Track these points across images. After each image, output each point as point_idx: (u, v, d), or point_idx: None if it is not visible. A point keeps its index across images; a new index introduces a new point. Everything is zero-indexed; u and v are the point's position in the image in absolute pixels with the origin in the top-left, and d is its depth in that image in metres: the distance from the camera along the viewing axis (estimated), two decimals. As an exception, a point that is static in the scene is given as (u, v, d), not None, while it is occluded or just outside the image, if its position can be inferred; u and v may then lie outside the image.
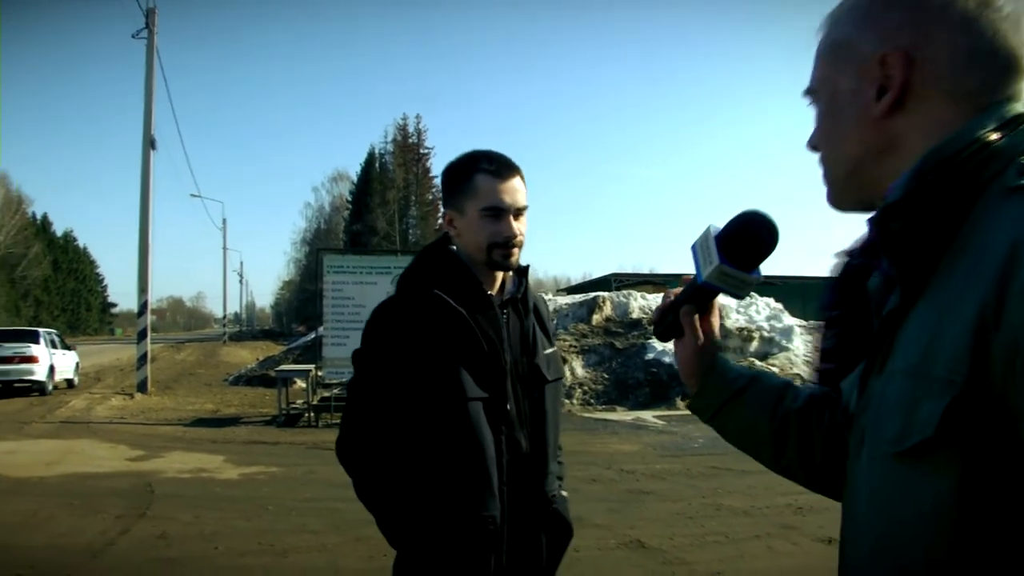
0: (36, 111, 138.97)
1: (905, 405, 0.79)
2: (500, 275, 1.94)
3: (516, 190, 1.86)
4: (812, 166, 1.02)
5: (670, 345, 1.29)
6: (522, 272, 1.98)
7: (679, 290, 1.24)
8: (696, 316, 1.22)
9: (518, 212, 1.87)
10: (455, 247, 1.93)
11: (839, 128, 0.95)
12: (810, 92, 0.99)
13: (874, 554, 0.85)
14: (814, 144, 1.00)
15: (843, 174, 0.96)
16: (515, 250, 1.87)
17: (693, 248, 1.20)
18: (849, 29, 0.93)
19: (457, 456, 1.76)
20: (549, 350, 1.96)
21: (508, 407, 1.82)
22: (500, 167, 1.86)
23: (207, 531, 5.79)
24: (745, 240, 1.14)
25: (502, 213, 1.83)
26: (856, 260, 1.61)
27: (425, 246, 1.99)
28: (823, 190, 1.01)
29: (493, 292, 1.91)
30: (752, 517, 6.26)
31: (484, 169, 1.84)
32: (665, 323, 1.25)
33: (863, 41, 0.90)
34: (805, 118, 1.02)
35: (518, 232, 1.86)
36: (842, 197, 0.98)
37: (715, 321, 1.24)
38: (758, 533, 5.76)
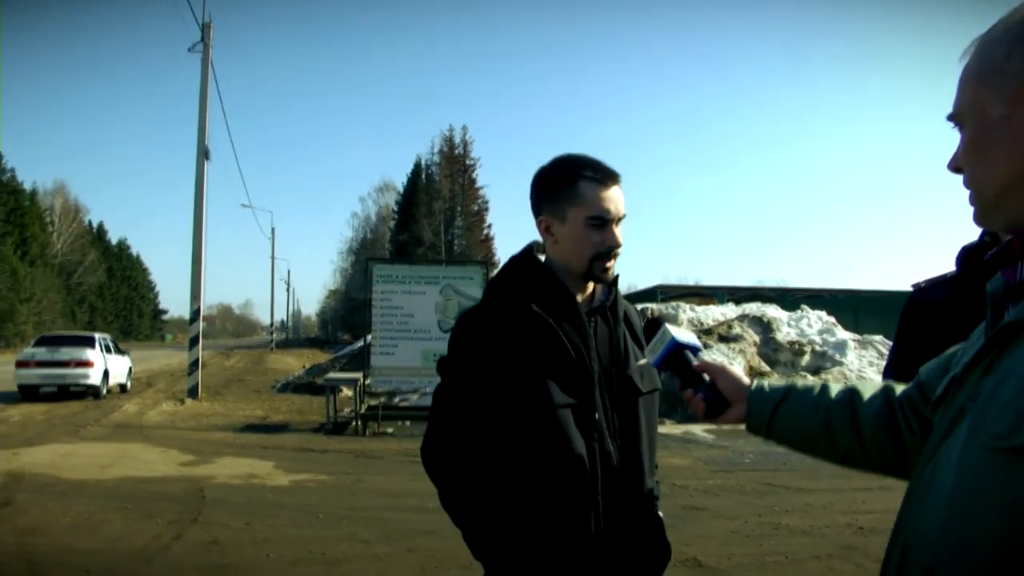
0: (96, 122, 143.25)
1: (1021, 406, 0.86)
2: (592, 284, 1.88)
3: (618, 198, 1.81)
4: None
5: (718, 356, 1.43)
6: (612, 282, 1.91)
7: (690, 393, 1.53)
8: (706, 378, 1.50)
9: (619, 221, 1.82)
10: (544, 256, 1.88)
11: (988, 153, 0.97)
12: (954, 117, 1.02)
13: (950, 530, 0.92)
14: (958, 166, 1.02)
15: (992, 196, 0.98)
16: (614, 261, 1.82)
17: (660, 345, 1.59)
18: (999, 57, 0.95)
19: (549, 465, 1.70)
20: (643, 361, 1.88)
21: (596, 416, 1.75)
22: (604, 175, 1.80)
23: (259, 538, 5.78)
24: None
25: (607, 223, 1.78)
26: (926, 292, 1.96)
27: (513, 256, 1.93)
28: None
29: (581, 300, 1.85)
30: (811, 537, 6.06)
31: (588, 176, 1.79)
32: (708, 405, 1.49)
33: (1014, 70, 0.93)
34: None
35: (621, 241, 1.80)
36: (990, 218, 1.01)
37: (724, 367, 1.50)
38: (818, 554, 5.57)
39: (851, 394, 1.39)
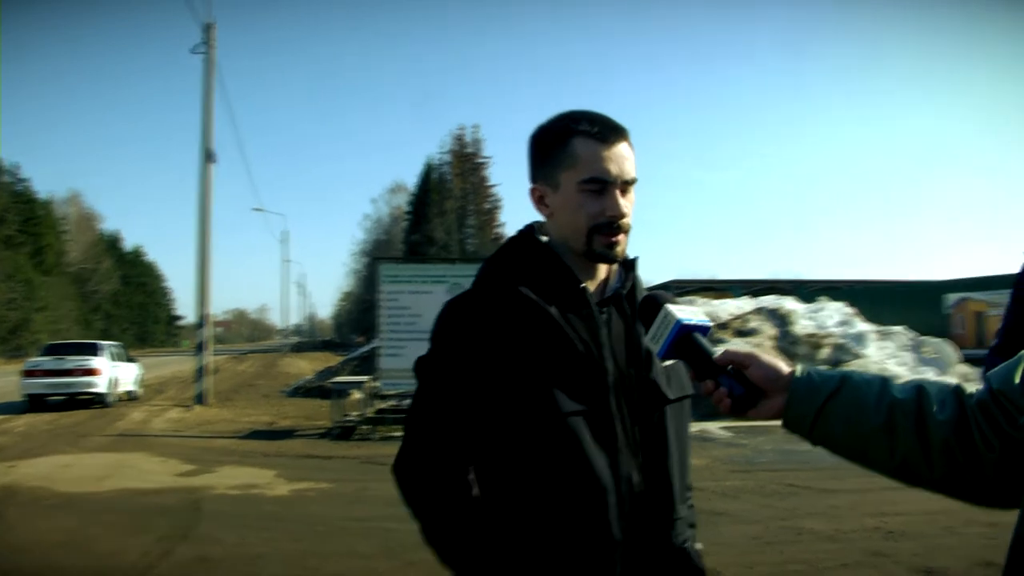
0: (109, 129, 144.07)
1: None
2: (603, 267, 1.52)
3: (624, 158, 1.45)
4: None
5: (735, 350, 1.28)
6: (629, 265, 1.55)
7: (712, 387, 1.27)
8: (729, 368, 1.25)
9: (625, 186, 1.46)
10: (546, 236, 1.54)
11: None
12: None
13: None
14: None
15: None
16: (621, 236, 1.46)
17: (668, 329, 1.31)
18: None
19: (559, 490, 1.36)
20: (670, 362, 1.49)
21: (615, 428, 1.41)
22: (604, 129, 1.45)
23: (251, 554, 5.49)
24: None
25: (607, 186, 1.43)
26: None
27: (511, 235, 1.59)
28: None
29: (592, 288, 1.50)
30: (838, 543, 5.69)
31: (584, 132, 1.44)
32: (736, 399, 1.24)
33: None
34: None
35: (625, 210, 1.45)
36: None
37: (755, 354, 1.24)
38: (846, 562, 5.20)
39: (919, 393, 1.15)
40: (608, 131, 1.45)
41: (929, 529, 5.95)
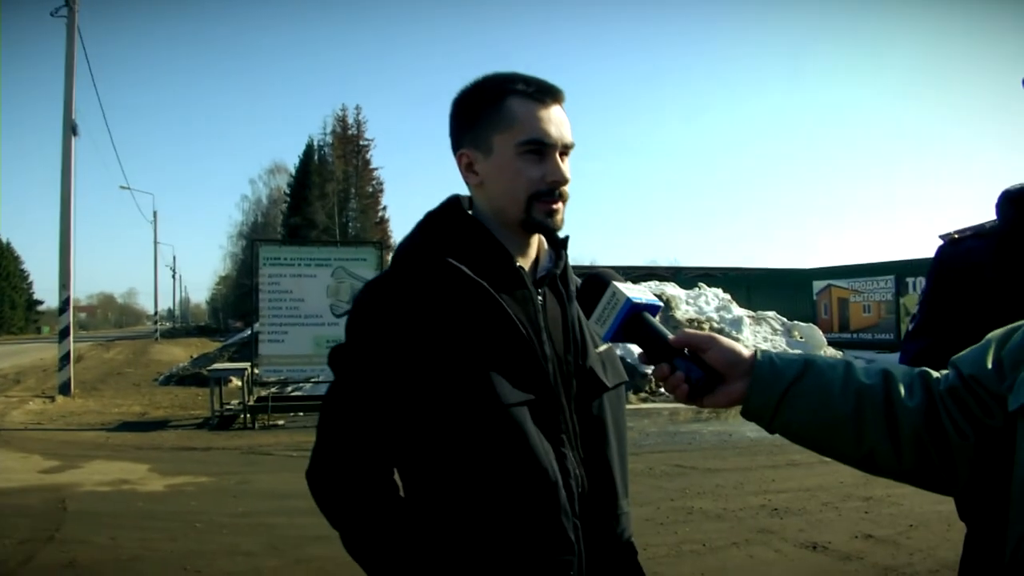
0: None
1: None
2: (535, 244, 1.41)
3: (562, 121, 1.35)
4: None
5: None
6: (561, 244, 1.44)
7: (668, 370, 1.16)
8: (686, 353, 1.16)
9: (565, 150, 1.35)
10: (472, 210, 1.41)
11: None
12: None
13: None
14: None
15: None
16: (561, 204, 1.35)
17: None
18: None
19: (504, 490, 1.23)
20: (603, 347, 1.41)
21: (560, 419, 1.30)
22: (542, 89, 1.35)
23: (124, 556, 5.09)
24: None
25: (547, 149, 1.32)
26: (962, 246, 1.61)
27: (431, 210, 1.44)
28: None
29: (526, 268, 1.38)
30: (726, 521, 5.82)
31: (521, 91, 1.33)
32: (693, 385, 1.14)
33: None
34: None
35: (567, 174, 1.34)
36: None
37: (714, 337, 1.16)
38: (736, 540, 5.32)
39: (885, 378, 1.10)
40: (545, 91, 1.35)
41: (811, 505, 6.18)
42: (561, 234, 1.42)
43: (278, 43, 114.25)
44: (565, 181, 1.34)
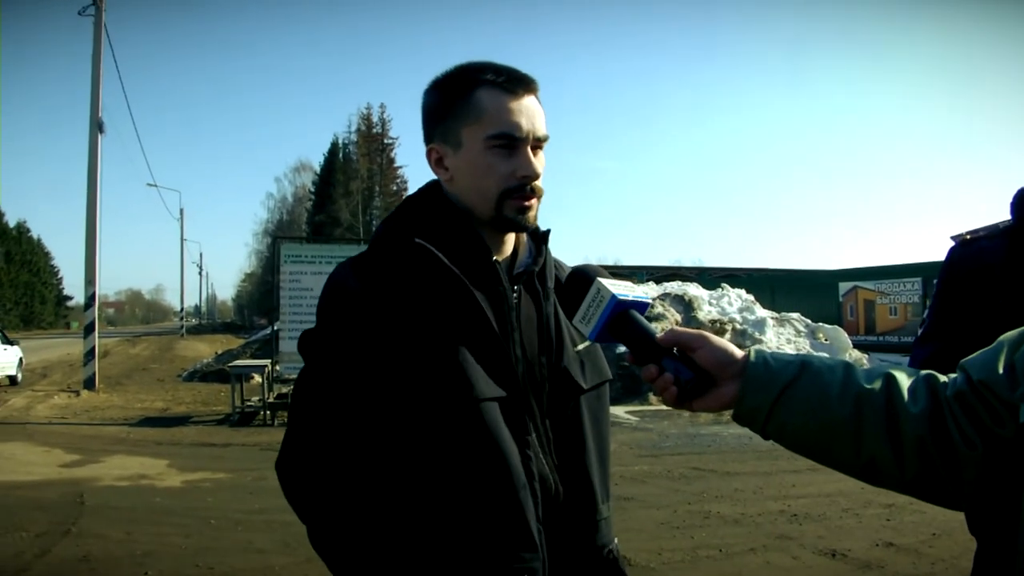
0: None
1: None
2: (511, 239, 1.36)
3: (535, 111, 1.30)
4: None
5: None
6: (541, 239, 1.39)
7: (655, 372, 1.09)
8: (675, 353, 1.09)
9: (537, 143, 1.30)
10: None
11: None
12: None
13: None
14: None
15: None
16: (534, 200, 1.30)
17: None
18: None
19: (469, 482, 1.18)
20: (582, 346, 1.36)
21: (527, 421, 1.25)
22: (512, 79, 1.29)
23: (138, 551, 5.10)
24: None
25: (517, 143, 1.26)
26: (975, 246, 1.54)
27: (410, 194, 1.40)
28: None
29: (500, 262, 1.33)
30: (744, 526, 5.73)
31: (490, 81, 1.28)
32: (682, 386, 1.07)
33: None
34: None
35: (539, 170, 1.28)
36: None
37: (706, 336, 1.08)
38: (753, 546, 5.23)
39: (887, 381, 1.02)
40: (516, 82, 1.29)
41: (831, 511, 6.07)
42: (542, 227, 1.37)
43: (303, 42, 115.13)
44: (536, 176, 1.28)
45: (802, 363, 1.06)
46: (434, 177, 1.37)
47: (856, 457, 1.02)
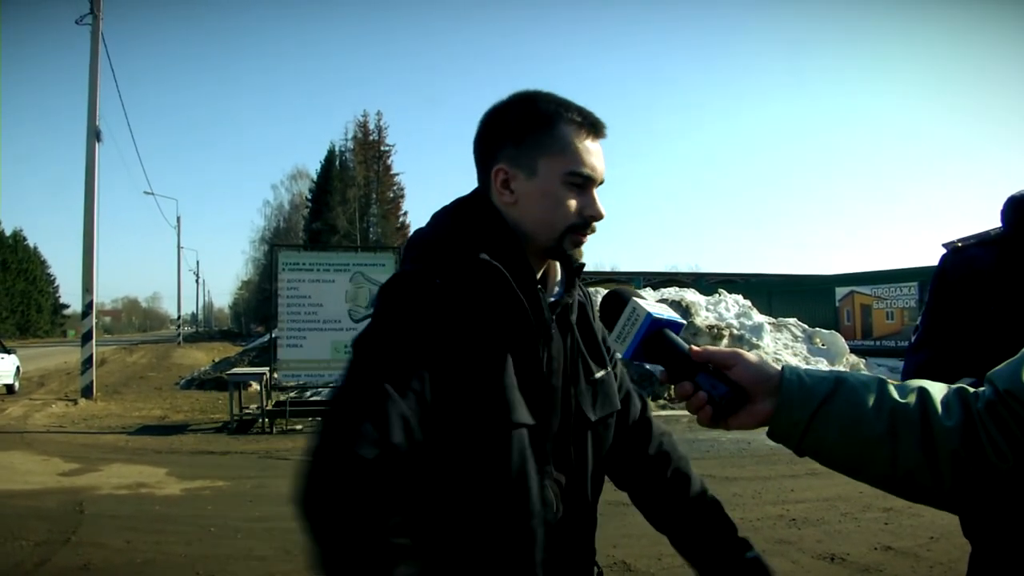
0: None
1: None
2: (546, 268, 1.37)
3: (603, 157, 1.33)
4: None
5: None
6: (576, 271, 1.39)
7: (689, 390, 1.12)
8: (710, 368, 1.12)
9: (599, 185, 1.34)
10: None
11: None
12: None
13: None
14: None
15: None
16: (586, 238, 1.33)
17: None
18: None
19: (488, 504, 1.19)
20: (599, 373, 1.36)
21: (548, 448, 1.27)
22: (596, 122, 1.32)
23: (138, 560, 5.11)
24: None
25: (590, 183, 1.30)
26: (966, 254, 1.56)
27: (458, 199, 1.37)
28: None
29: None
30: (743, 531, 5.73)
31: (575, 120, 1.30)
32: (717, 405, 1.10)
33: None
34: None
35: (604, 212, 1.32)
36: None
37: (739, 353, 1.10)
38: (752, 550, 5.24)
39: (921, 396, 1.03)
40: (597, 125, 1.33)
41: (829, 516, 6.09)
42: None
43: (300, 50, 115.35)
44: (601, 218, 1.32)
45: (837, 379, 1.07)
46: (447, 202, 1.36)
47: (893, 472, 1.03)
